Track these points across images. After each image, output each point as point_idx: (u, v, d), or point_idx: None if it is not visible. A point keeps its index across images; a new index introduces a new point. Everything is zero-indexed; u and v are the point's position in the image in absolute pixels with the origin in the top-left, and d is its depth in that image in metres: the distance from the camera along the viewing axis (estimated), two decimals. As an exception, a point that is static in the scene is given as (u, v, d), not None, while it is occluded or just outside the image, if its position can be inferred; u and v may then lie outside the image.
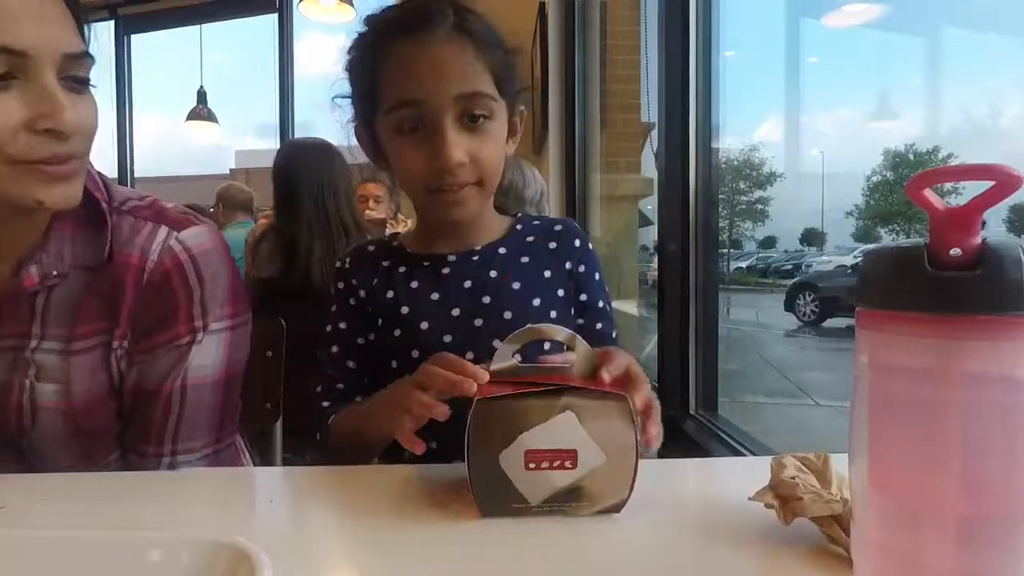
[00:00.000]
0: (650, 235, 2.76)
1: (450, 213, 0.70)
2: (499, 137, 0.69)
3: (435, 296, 0.73)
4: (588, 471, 0.47)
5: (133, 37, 5.05)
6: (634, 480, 0.47)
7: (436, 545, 0.45)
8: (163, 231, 0.65)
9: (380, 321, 0.74)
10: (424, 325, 0.72)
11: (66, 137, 0.54)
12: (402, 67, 0.65)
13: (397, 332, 0.73)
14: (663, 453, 0.71)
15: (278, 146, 4.60)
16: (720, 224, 1.67)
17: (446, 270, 0.74)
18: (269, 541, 0.37)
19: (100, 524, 0.48)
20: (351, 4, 3.41)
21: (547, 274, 0.75)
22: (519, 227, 0.78)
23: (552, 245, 0.77)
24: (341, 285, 0.78)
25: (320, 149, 1.70)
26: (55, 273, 0.61)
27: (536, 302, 0.73)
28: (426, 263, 0.75)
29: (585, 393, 0.48)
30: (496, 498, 0.48)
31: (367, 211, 2.40)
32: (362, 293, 0.76)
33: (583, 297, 0.77)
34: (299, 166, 1.65)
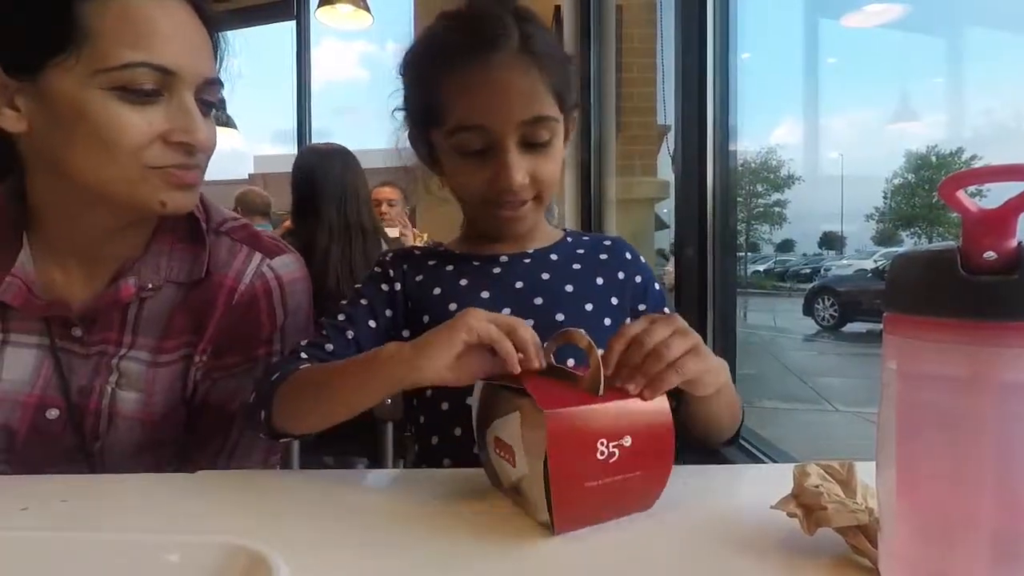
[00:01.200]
0: (666, 239, 2.74)
1: (507, 227, 0.71)
2: (559, 152, 0.69)
3: (485, 295, 0.72)
4: (521, 475, 0.48)
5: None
6: (551, 506, 0.44)
7: (452, 549, 0.44)
8: (257, 257, 0.68)
9: (427, 318, 0.72)
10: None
11: (195, 151, 0.60)
12: (466, 90, 0.64)
13: None
14: (679, 459, 0.71)
15: (295, 151, 4.67)
16: (737, 227, 1.65)
17: (497, 270, 0.74)
18: (285, 544, 0.37)
19: (118, 526, 0.48)
20: (368, 10, 3.44)
21: (599, 281, 0.75)
22: (569, 239, 0.79)
23: (603, 256, 0.77)
24: (378, 269, 0.76)
25: (338, 154, 1.73)
26: (150, 286, 0.65)
27: (589, 307, 0.72)
28: (476, 263, 0.75)
29: (533, 400, 0.46)
30: (490, 469, 0.54)
31: (382, 214, 2.41)
32: (397, 286, 0.74)
33: (642, 307, 0.76)
34: (318, 171, 1.68)
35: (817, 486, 0.43)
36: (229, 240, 0.68)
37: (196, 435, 0.69)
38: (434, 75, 0.67)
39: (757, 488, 0.52)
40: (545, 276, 0.73)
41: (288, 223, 2.47)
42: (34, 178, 0.62)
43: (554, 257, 0.76)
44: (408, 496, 0.54)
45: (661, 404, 0.49)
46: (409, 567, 0.42)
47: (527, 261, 0.74)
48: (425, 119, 0.70)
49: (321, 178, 1.66)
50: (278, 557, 0.35)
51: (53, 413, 0.64)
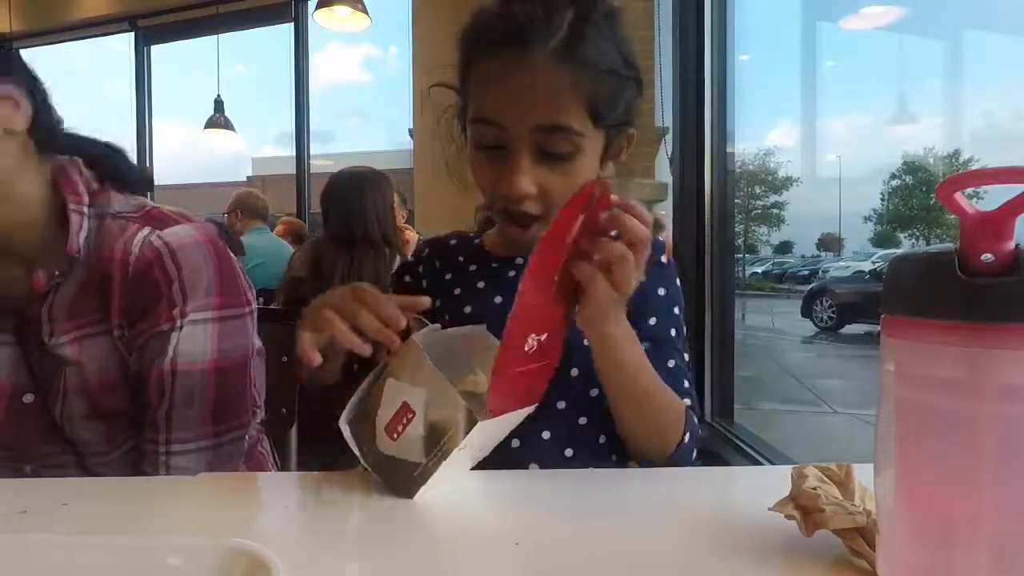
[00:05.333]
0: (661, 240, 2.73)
1: (514, 244, 0.68)
2: (583, 171, 0.63)
3: (498, 300, 0.70)
4: (424, 411, 0.52)
5: (152, 48, 5.15)
6: (458, 397, 0.51)
7: (453, 550, 0.44)
8: (146, 230, 0.70)
9: (447, 317, 0.71)
10: (483, 327, 0.68)
11: None
12: (488, 81, 0.61)
13: None
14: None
15: (294, 154, 4.67)
16: (735, 229, 1.66)
17: (512, 273, 0.72)
18: (284, 546, 0.37)
19: (118, 529, 0.48)
20: (366, 12, 3.45)
21: None
22: None
23: None
24: (408, 279, 0.77)
25: (357, 175, 1.88)
26: (57, 273, 0.69)
27: None
28: (495, 264, 0.73)
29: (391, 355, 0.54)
30: (401, 477, 0.53)
31: None
32: (424, 283, 0.75)
33: (652, 321, 0.70)
34: (333, 189, 1.87)
35: (815, 488, 0.43)
36: (122, 221, 0.71)
37: (137, 406, 0.72)
38: (470, 56, 0.63)
39: (755, 490, 0.52)
40: None
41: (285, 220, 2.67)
42: None
43: None
44: (407, 498, 0.54)
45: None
46: (409, 568, 0.42)
47: None
48: (462, 100, 0.67)
49: (334, 196, 1.84)
50: (278, 559, 0.35)
51: (29, 397, 0.70)
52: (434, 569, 0.42)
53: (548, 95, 0.59)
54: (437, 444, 0.52)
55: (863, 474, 0.41)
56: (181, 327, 0.69)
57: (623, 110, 0.65)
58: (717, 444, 1.39)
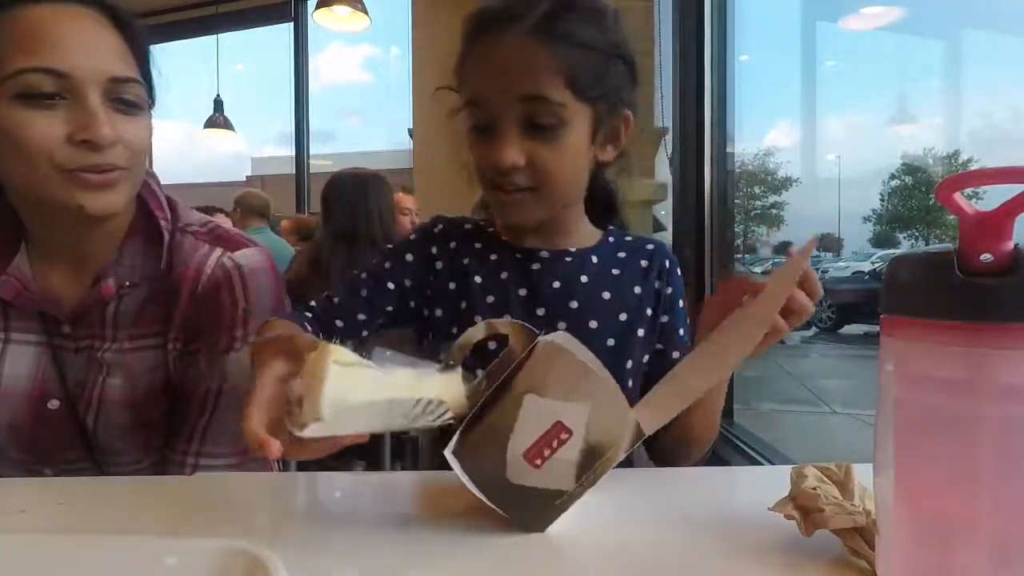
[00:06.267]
0: (665, 241, 2.74)
1: (505, 215, 0.70)
2: (571, 144, 0.65)
3: (523, 292, 0.71)
4: (584, 427, 0.45)
5: (151, 47, 5.14)
6: (618, 399, 0.45)
7: (451, 552, 0.44)
8: (218, 250, 0.72)
9: (464, 304, 0.71)
10: (507, 318, 0.70)
11: (101, 148, 0.61)
12: (473, 66, 0.65)
13: (478, 318, 0.69)
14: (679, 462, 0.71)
15: (294, 154, 4.68)
16: (735, 229, 1.66)
17: (536, 266, 0.72)
18: (284, 547, 0.37)
19: (116, 528, 0.48)
20: (365, 12, 3.45)
21: (637, 290, 0.73)
22: (610, 239, 0.76)
23: (643, 263, 0.75)
24: (414, 236, 0.76)
25: (357, 176, 1.89)
26: (128, 284, 0.69)
27: (623, 317, 0.71)
28: (519, 255, 0.73)
29: (518, 370, 0.46)
30: (534, 509, 0.46)
31: (401, 218, 2.47)
32: (439, 264, 0.73)
33: (664, 319, 0.74)
34: (333, 189, 1.89)
35: (814, 488, 0.43)
36: (192, 238, 0.72)
37: (174, 418, 0.73)
38: (462, 48, 0.66)
39: (755, 490, 0.52)
40: (584, 279, 0.72)
41: (290, 222, 2.72)
42: (5, 191, 0.67)
43: (595, 259, 0.74)
44: (410, 498, 0.54)
45: None
46: (409, 567, 0.42)
47: (568, 260, 0.73)
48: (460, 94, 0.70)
49: (337, 192, 1.85)
50: (277, 560, 0.35)
51: (54, 404, 0.70)
52: (434, 568, 0.42)
53: (524, 67, 0.62)
54: (591, 467, 0.45)
55: (863, 474, 0.41)
56: (239, 350, 0.70)
57: (609, 86, 0.66)
58: (717, 444, 1.39)
